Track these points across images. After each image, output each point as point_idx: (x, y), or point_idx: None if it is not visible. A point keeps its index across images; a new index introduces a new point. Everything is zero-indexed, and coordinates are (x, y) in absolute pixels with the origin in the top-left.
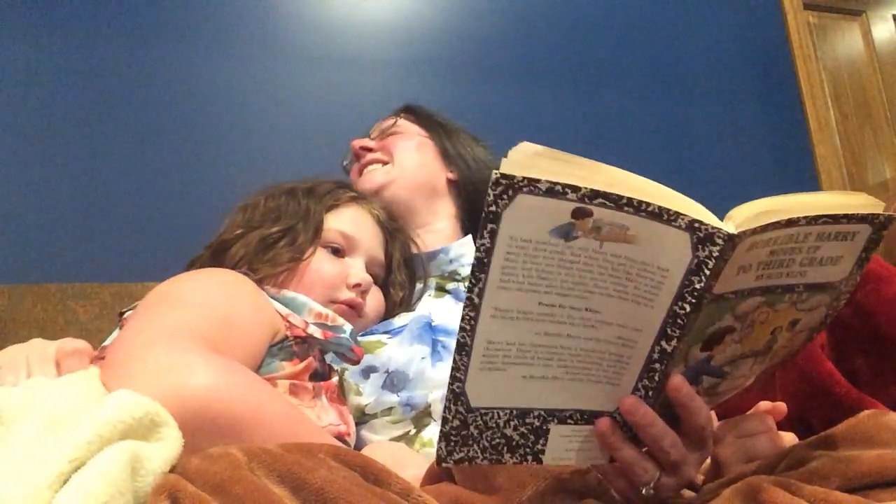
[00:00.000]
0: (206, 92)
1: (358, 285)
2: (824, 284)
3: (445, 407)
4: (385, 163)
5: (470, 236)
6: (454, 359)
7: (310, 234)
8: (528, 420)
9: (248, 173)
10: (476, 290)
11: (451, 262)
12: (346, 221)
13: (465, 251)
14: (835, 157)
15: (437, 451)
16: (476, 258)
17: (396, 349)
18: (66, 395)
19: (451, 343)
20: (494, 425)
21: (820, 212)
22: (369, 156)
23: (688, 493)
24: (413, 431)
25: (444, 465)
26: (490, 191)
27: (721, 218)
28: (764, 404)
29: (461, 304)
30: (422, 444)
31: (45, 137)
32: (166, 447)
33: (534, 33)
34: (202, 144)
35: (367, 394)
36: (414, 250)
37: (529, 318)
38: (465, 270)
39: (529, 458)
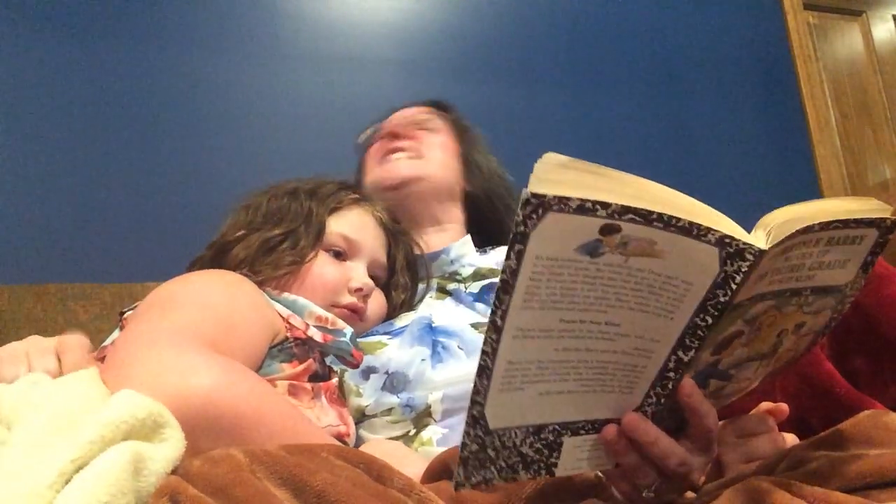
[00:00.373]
0: (205, 92)
1: (360, 290)
2: (831, 287)
3: (464, 432)
4: (413, 155)
5: (469, 236)
6: (475, 382)
7: (311, 237)
8: (542, 435)
9: (248, 173)
10: (499, 312)
11: (451, 262)
12: (348, 224)
13: (465, 251)
14: (835, 157)
15: (455, 476)
16: (501, 280)
17: (397, 350)
18: (68, 396)
19: (452, 344)
20: (511, 445)
21: (832, 217)
22: (399, 142)
23: (688, 493)
24: (413, 431)
25: (461, 489)
26: (520, 211)
27: (738, 221)
28: (766, 405)
29: (461, 306)
30: (421, 444)
31: (44, 137)
32: (169, 448)
33: (533, 33)
34: (202, 144)
35: (367, 395)
36: (417, 251)
37: (550, 336)
38: (466, 271)
39: (543, 471)
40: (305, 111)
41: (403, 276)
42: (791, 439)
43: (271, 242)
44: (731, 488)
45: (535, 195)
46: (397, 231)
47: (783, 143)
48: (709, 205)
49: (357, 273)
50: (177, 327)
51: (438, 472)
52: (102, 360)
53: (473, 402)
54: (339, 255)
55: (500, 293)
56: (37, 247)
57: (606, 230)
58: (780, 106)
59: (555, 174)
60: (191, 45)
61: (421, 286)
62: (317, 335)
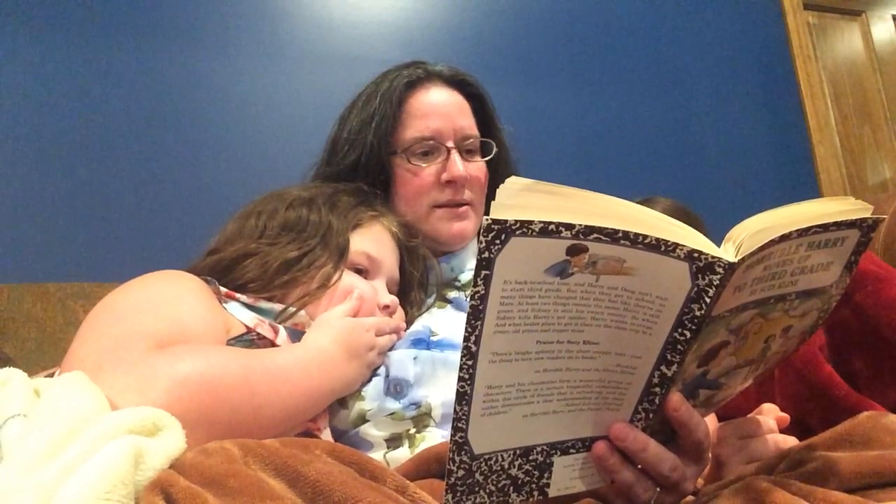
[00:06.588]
0: (205, 92)
1: (387, 307)
2: (815, 290)
3: (449, 458)
4: (476, 213)
5: (475, 241)
6: (455, 409)
7: (335, 257)
8: (531, 457)
9: (248, 173)
10: (473, 337)
11: (452, 269)
12: (370, 242)
13: (466, 256)
14: (834, 157)
15: (444, 503)
16: (471, 306)
17: (396, 354)
18: (77, 403)
19: (453, 356)
20: (499, 468)
21: (810, 222)
22: (467, 196)
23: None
24: (412, 430)
25: None
26: (482, 237)
27: (717, 236)
28: (767, 406)
29: (462, 314)
30: (422, 442)
31: (45, 137)
32: (168, 444)
33: (534, 33)
34: (202, 145)
35: (370, 398)
36: (430, 263)
37: (528, 358)
38: (465, 277)
39: (536, 493)
40: (305, 111)
41: (419, 292)
42: (791, 441)
43: (291, 264)
44: (731, 488)
45: (495, 221)
46: (411, 247)
47: (783, 143)
48: (709, 205)
49: (381, 290)
50: (129, 332)
51: (428, 461)
52: None
53: (456, 429)
54: (361, 273)
55: (471, 319)
56: (37, 247)
57: (573, 251)
58: (779, 106)
59: (517, 198)
60: (190, 45)
61: (431, 292)
62: (282, 336)
